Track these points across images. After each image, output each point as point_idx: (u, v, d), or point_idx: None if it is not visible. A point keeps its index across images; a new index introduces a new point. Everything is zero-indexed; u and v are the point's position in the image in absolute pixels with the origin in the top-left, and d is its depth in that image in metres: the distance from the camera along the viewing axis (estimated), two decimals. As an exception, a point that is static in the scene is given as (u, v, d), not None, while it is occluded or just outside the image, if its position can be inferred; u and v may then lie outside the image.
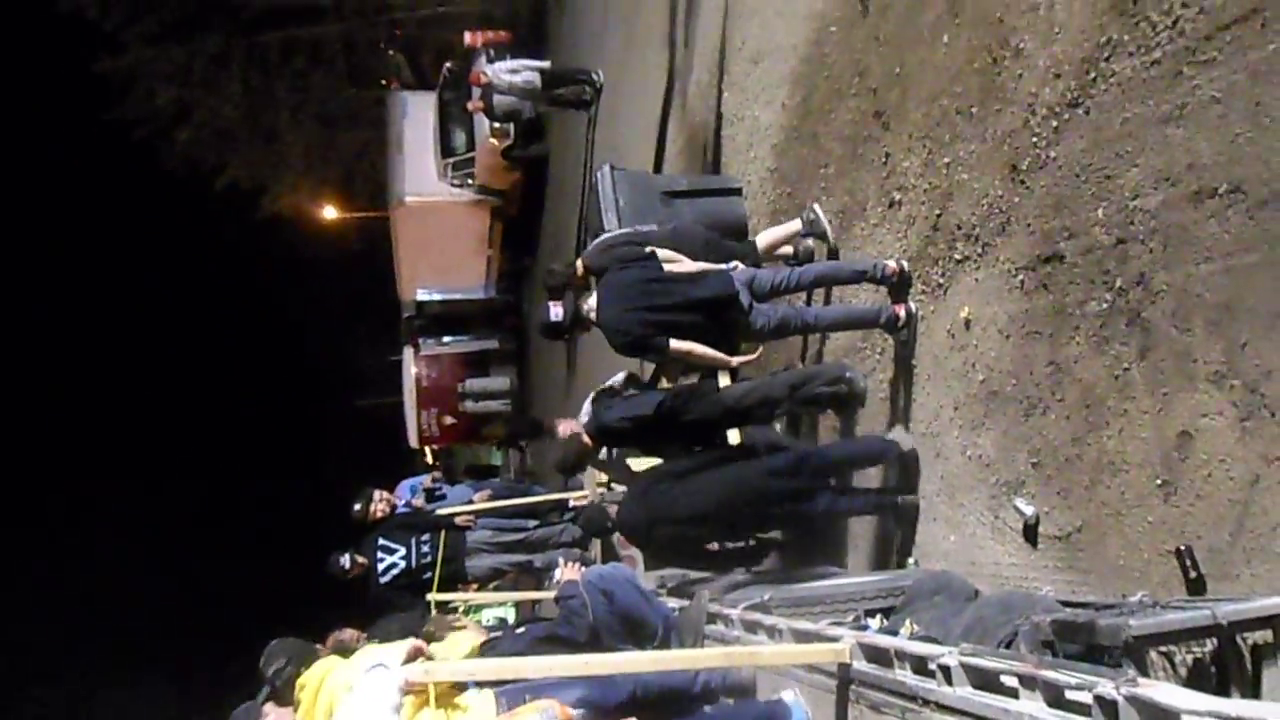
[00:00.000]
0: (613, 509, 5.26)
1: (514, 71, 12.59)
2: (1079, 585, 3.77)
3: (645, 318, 5.18)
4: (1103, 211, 3.66)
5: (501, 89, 12.59)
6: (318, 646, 4.60)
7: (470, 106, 14.38)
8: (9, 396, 29.24)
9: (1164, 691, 1.90)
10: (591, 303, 5.44)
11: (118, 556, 29.00)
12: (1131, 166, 3.52)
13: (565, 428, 7.07)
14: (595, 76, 13.09)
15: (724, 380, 6.43)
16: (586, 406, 6.89)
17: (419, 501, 8.96)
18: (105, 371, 33.41)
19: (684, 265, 5.33)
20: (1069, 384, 3.86)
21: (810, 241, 6.20)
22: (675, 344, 5.20)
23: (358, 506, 8.20)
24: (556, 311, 5.59)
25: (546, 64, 13.18)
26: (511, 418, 19.57)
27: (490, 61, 13.75)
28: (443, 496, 8.97)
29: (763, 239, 6.12)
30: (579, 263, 6.16)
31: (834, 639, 2.97)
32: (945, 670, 2.44)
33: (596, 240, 6.20)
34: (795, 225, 6.06)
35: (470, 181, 18.98)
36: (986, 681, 2.34)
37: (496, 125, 15.08)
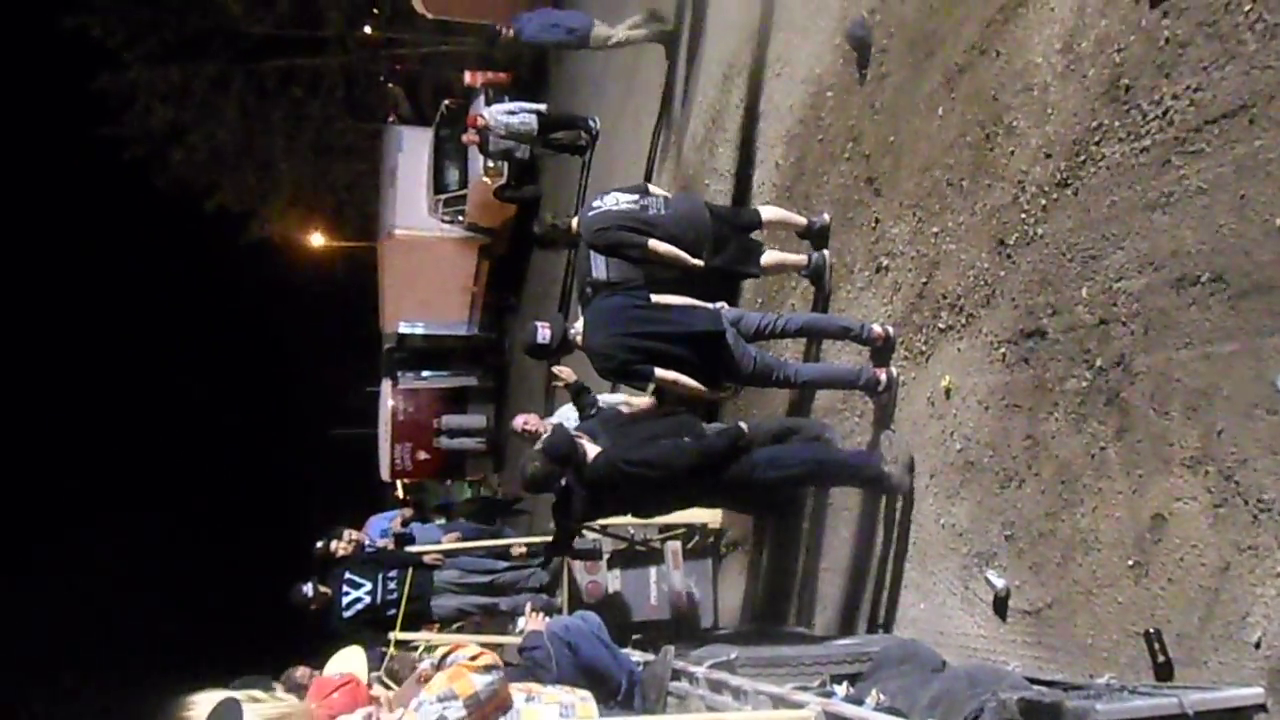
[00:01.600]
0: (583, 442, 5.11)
1: (511, 114, 12.69)
2: (1046, 662, 3.76)
3: (631, 344, 5.16)
4: (1086, 291, 3.70)
5: (499, 132, 12.67)
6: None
7: (465, 139, 14.47)
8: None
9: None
10: (578, 327, 5.46)
11: (73, 578, 28.55)
12: (1117, 249, 3.56)
13: (522, 422, 6.93)
14: (592, 123, 13.21)
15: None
16: (565, 410, 6.78)
17: (386, 543, 8.88)
18: (72, 384, 33.14)
19: (673, 299, 5.34)
20: (1045, 459, 3.88)
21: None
22: (660, 372, 5.20)
23: (320, 544, 8.10)
24: (544, 334, 5.61)
25: (544, 107, 13.30)
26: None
27: (489, 103, 13.87)
28: (411, 539, 8.90)
29: (771, 259, 5.95)
30: (573, 223, 6.04)
31: (800, 705, 2.94)
32: (910, 744, 2.42)
33: (597, 209, 5.91)
34: (800, 259, 5.97)
35: (461, 219, 19.04)
36: (950, 757, 2.33)
37: (490, 164, 15.17)
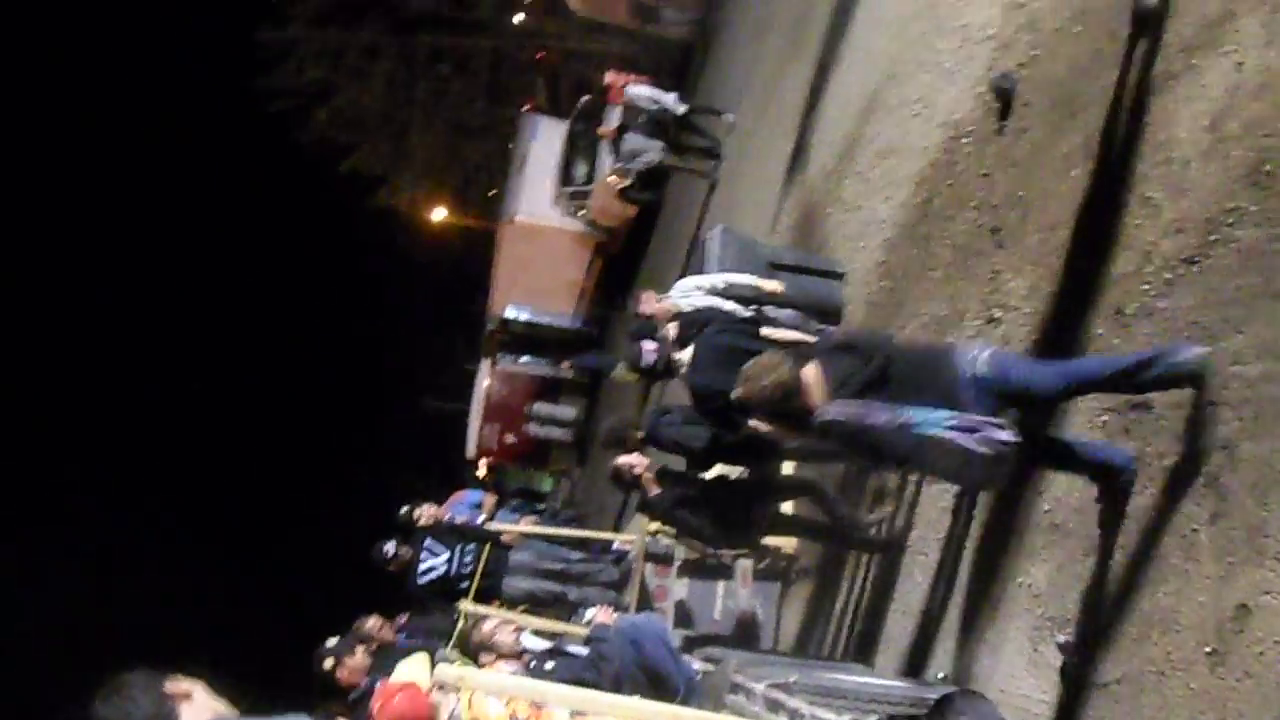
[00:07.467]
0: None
1: (654, 100, 13.10)
2: (1107, 737, 3.74)
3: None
4: (1200, 371, 3.67)
5: (645, 105, 13.00)
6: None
7: (601, 131, 14.78)
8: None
9: None
10: (684, 357, 5.54)
11: (154, 533, 29.59)
12: (1237, 333, 3.53)
13: (646, 304, 6.96)
14: (729, 117, 13.48)
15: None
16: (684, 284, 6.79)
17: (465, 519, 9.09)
18: (182, 322, 34.32)
19: (782, 334, 5.39)
20: (1134, 533, 3.85)
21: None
22: (753, 422, 5.26)
23: (405, 509, 8.37)
24: (650, 357, 5.71)
25: (684, 107, 13.64)
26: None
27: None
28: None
29: None
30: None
31: (854, 733, 2.99)
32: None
33: None
34: None
35: (582, 214, 19.34)
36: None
37: (619, 166, 15.42)
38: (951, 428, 3.60)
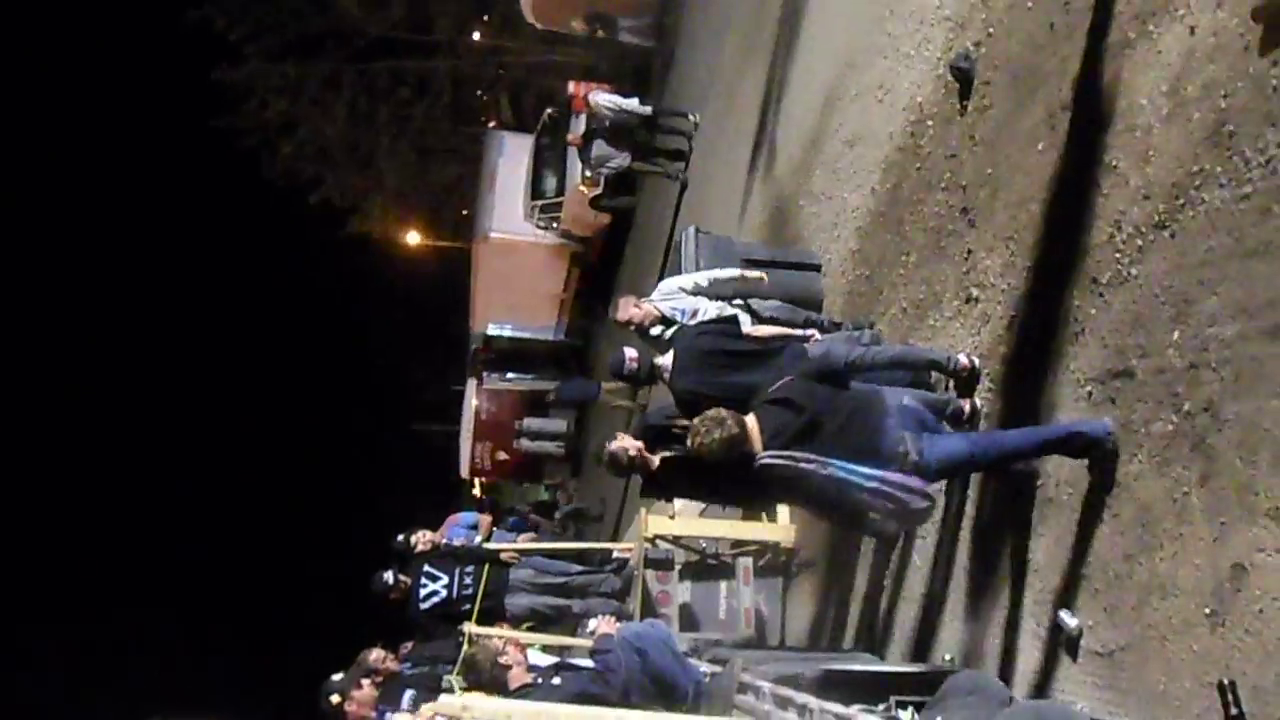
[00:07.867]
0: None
1: (618, 106, 13.23)
2: (1116, 705, 3.74)
3: (714, 394, 5.19)
4: (1178, 334, 3.69)
5: (609, 112, 13.08)
6: None
7: (570, 139, 14.83)
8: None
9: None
10: (665, 362, 5.55)
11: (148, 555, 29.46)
12: (1211, 294, 3.55)
13: (625, 310, 6.94)
14: (692, 116, 13.53)
15: None
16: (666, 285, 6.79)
17: (463, 541, 9.04)
18: (169, 364, 34.26)
19: (765, 330, 5.41)
20: (1126, 500, 3.86)
21: None
22: None
23: (400, 537, 8.33)
24: (631, 365, 5.73)
25: (648, 109, 13.73)
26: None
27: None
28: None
29: None
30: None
31: (864, 724, 2.99)
32: (970, 771, 2.45)
33: None
34: None
35: (555, 225, 19.32)
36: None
37: (588, 174, 15.43)
38: (871, 490, 3.96)
